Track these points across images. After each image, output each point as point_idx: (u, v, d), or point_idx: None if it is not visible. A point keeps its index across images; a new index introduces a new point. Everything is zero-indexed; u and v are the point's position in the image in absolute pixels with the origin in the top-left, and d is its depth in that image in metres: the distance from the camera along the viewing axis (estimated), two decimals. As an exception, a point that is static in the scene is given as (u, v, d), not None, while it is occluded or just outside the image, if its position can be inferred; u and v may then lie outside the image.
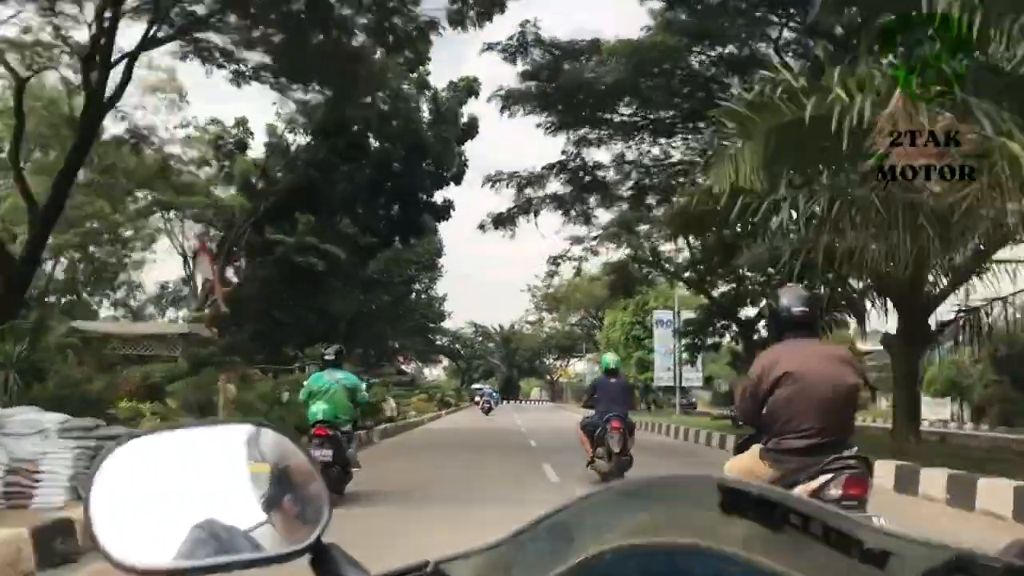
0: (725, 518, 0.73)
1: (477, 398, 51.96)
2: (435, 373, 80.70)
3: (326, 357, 8.49)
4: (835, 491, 3.46)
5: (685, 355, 29.61)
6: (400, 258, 48.60)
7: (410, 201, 28.04)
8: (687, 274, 22.61)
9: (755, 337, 20.32)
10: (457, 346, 75.65)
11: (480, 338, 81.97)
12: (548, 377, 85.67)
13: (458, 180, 27.93)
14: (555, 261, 23.46)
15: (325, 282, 44.60)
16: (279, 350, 36.76)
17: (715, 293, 21.98)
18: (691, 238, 19.03)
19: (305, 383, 8.77)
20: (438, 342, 67.25)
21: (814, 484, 3.48)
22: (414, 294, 51.48)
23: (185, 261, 39.36)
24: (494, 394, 49.83)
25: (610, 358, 10.64)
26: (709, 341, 24.56)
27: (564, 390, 79.84)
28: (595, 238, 23.46)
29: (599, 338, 48.19)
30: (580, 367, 74.86)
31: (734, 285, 20.45)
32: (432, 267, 51.05)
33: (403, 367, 70.83)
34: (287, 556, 0.77)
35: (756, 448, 3.85)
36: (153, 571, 0.76)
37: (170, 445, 0.84)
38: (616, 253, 23.58)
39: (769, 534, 0.72)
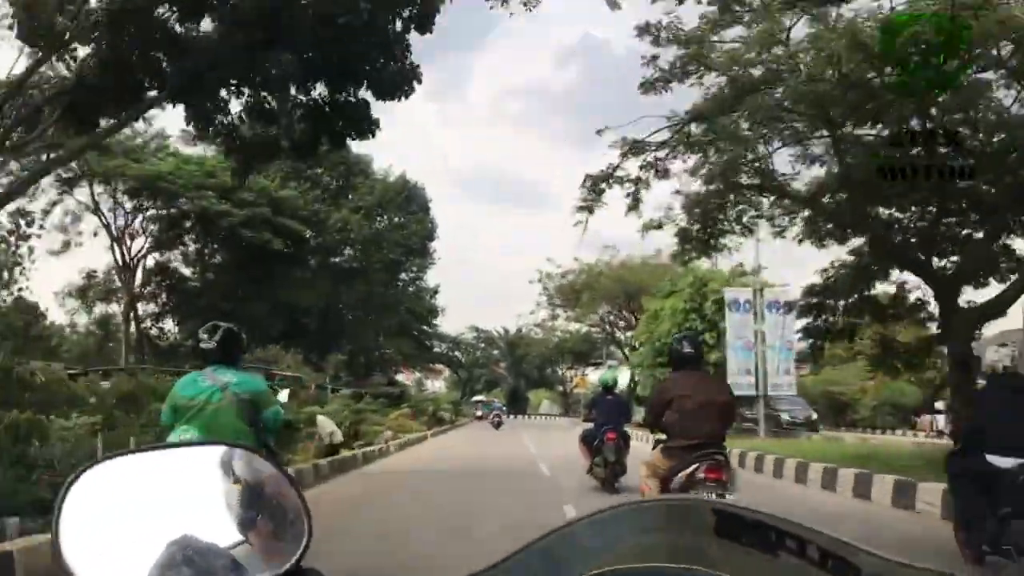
0: (720, 542, 0.75)
1: (479, 412, 49.33)
2: (437, 385, 74.26)
3: (203, 346, 4.99)
4: (700, 475, 5.38)
5: (796, 347, 22.68)
6: (381, 238, 39.05)
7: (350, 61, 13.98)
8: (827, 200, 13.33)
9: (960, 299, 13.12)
10: (457, 354, 69.99)
11: (483, 344, 75.99)
12: (561, 388, 79.61)
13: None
14: (596, 186, 13.37)
15: (283, 266, 35.11)
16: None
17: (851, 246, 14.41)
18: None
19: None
20: (436, 349, 62.47)
21: (688, 470, 5.41)
22: (400, 284, 42.10)
23: (115, 243, 33.48)
24: (504, 408, 50.27)
25: (608, 376, 13.46)
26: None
27: (580, 402, 72.91)
28: (662, 146, 13.13)
29: (634, 336, 37.84)
30: (598, 377, 66.18)
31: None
32: (423, 252, 41.75)
33: (399, 378, 65.66)
34: None
35: (659, 448, 5.81)
36: None
37: (142, 466, 0.85)
38: (694, 181, 13.70)
39: (764, 558, 0.74)
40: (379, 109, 16.45)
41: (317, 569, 0.79)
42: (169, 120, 40.76)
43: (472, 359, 75.41)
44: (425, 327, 53.54)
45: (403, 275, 44.90)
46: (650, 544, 0.78)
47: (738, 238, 14.49)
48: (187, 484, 0.83)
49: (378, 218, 41.08)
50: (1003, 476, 5.25)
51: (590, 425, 11.60)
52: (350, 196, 40.28)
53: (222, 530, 0.80)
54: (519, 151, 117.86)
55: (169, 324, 37.87)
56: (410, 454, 20.05)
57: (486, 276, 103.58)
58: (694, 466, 5.43)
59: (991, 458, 5.37)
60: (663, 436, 5.70)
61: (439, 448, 22.70)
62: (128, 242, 32.90)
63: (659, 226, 14.00)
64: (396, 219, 41.94)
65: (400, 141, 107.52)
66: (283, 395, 16.17)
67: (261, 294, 34.04)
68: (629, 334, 48.10)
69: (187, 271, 37.65)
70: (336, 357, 39.32)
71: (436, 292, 47.39)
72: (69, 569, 0.75)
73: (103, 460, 0.85)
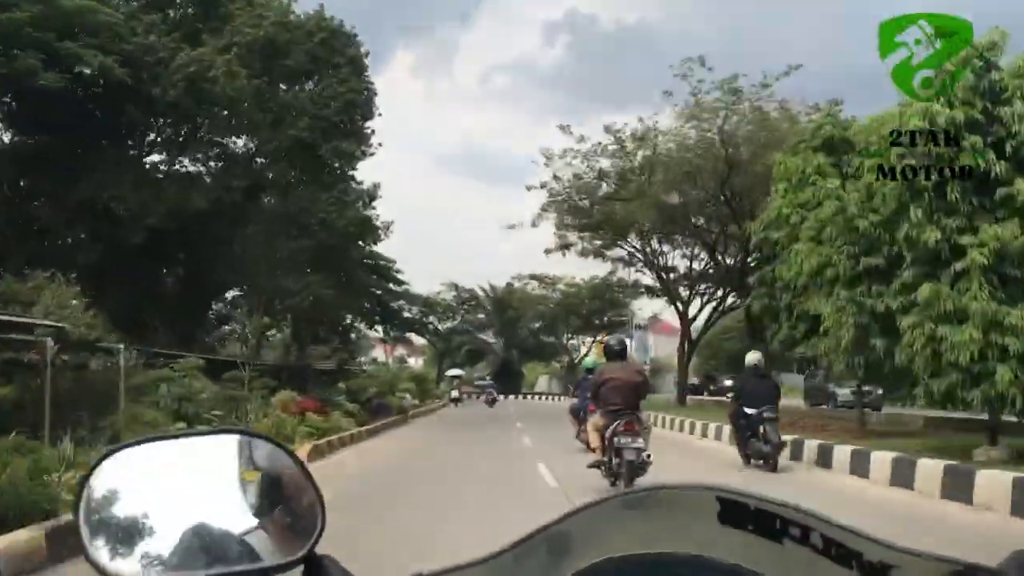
0: (724, 529, 0.76)
1: (455, 393, 42.21)
2: (422, 363, 63.80)
3: None
4: (621, 428, 8.78)
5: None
6: (272, 98, 22.33)
7: None
8: None
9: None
10: (431, 320, 54.50)
11: (464, 306, 59.89)
12: (563, 361, 61.22)
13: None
14: None
15: (92, 138, 19.08)
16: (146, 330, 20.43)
17: None
18: None
19: None
20: (407, 313, 49.43)
21: (613, 425, 8.87)
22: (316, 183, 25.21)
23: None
24: (493, 385, 44.50)
25: (589, 362, 20.28)
26: None
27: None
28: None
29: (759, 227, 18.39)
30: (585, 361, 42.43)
31: None
32: (352, 134, 24.53)
33: (378, 355, 56.81)
34: (280, 568, 0.80)
35: (598, 412, 9.48)
36: None
37: (161, 454, 0.87)
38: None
39: (768, 545, 0.75)
40: None
41: (331, 556, 0.80)
42: None
43: (450, 326, 59.27)
44: (381, 278, 39.02)
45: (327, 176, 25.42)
46: (654, 531, 0.79)
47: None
48: (204, 471, 0.85)
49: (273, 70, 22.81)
50: (751, 417, 11.63)
51: (575, 400, 16.41)
52: (222, 29, 21.97)
53: (237, 517, 0.82)
54: (505, 127, 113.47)
55: None
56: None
57: (469, 251, 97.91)
58: (616, 422, 8.94)
59: (747, 409, 11.76)
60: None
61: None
62: None
63: None
64: (311, 82, 23.90)
65: (384, 119, 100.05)
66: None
67: (54, 188, 18.92)
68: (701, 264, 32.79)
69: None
70: (260, 321, 26.14)
71: (373, 196, 27.87)
72: (91, 554, 0.78)
73: (124, 447, 0.87)
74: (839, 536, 0.73)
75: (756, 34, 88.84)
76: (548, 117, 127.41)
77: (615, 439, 8.84)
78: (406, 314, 49.88)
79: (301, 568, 0.78)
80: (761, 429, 11.56)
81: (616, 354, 9.63)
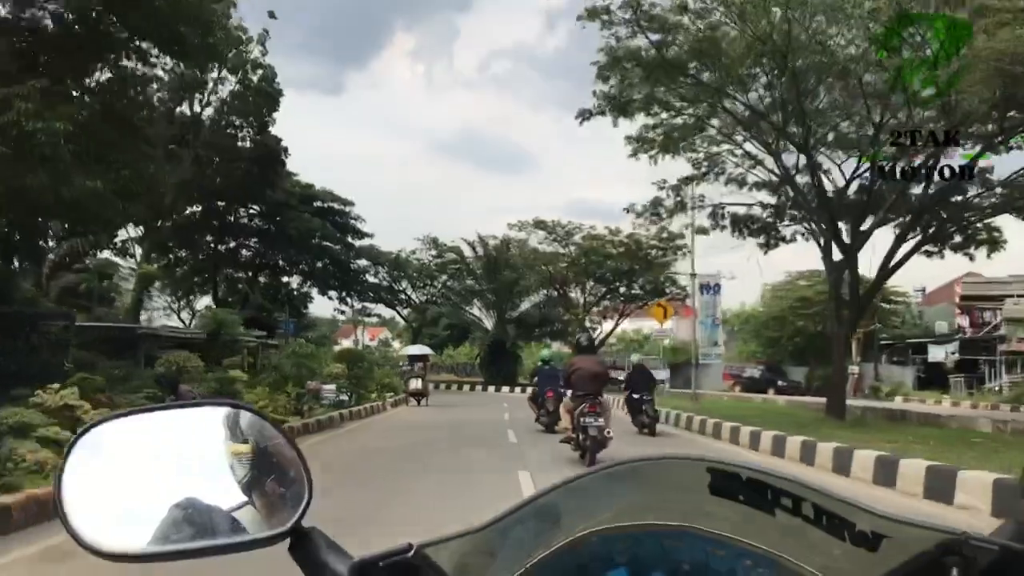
0: (715, 500, 0.76)
1: (415, 383, 26.58)
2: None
3: None
4: (586, 408, 10.77)
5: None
6: None
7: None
8: None
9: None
10: (405, 287, 44.38)
11: (447, 269, 44.83)
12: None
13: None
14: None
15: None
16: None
17: None
18: None
19: None
20: (371, 277, 40.42)
21: (581, 407, 10.88)
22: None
23: None
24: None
25: (546, 353, 20.21)
26: None
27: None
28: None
29: None
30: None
31: None
32: None
33: (344, 341, 49.54)
34: (266, 540, 0.80)
35: (568, 396, 11.58)
36: (125, 556, 0.78)
37: (145, 427, 0.87)
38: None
39: (759, 516, 0.76)
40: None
41: (318, 528, 0.79)
42: None
43: (430, 295, 45.86)
44: (332, 225, 31.48)
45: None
46: (645, 502, 0.79)
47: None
48: (190, 444, 0.84)
49: None
50: (637, 400, 16.05)
51: (532, 389, 17.97)
52: None
53: (223, 490, 0.81)
54: (505, 113, 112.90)
55: None
56: None
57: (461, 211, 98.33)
58: (583, 404, 10.88)
59: (633, 394, 16.21)
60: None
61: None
62: None
63: None
64: None
65: (385, 103, 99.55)
66: None
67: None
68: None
69: None
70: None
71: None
72: (72, 529, 0.77)
73: (107, 419, 0.85)
74: (831, 506, 0.73)
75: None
76: (547, 105, 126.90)
77: (581, 419, 10.95)
78: (370, 278, 40.05)
79: (288, 540, 0.78)
80: (643, 407, 16.07)
81: (584, 348, 12.98)
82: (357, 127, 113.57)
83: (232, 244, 32.10)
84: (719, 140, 20.71)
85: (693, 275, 27.52)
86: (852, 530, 0.72)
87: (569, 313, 41.95)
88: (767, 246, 22.33)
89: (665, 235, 33.08)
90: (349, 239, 34.74)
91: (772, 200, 21.64)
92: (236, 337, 22.15)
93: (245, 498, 0.82)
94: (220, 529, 0.80)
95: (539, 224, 38.69)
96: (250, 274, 33.76)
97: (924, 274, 58.60)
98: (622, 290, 40.34)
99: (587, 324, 39.01)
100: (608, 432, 10.81)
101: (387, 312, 49.44)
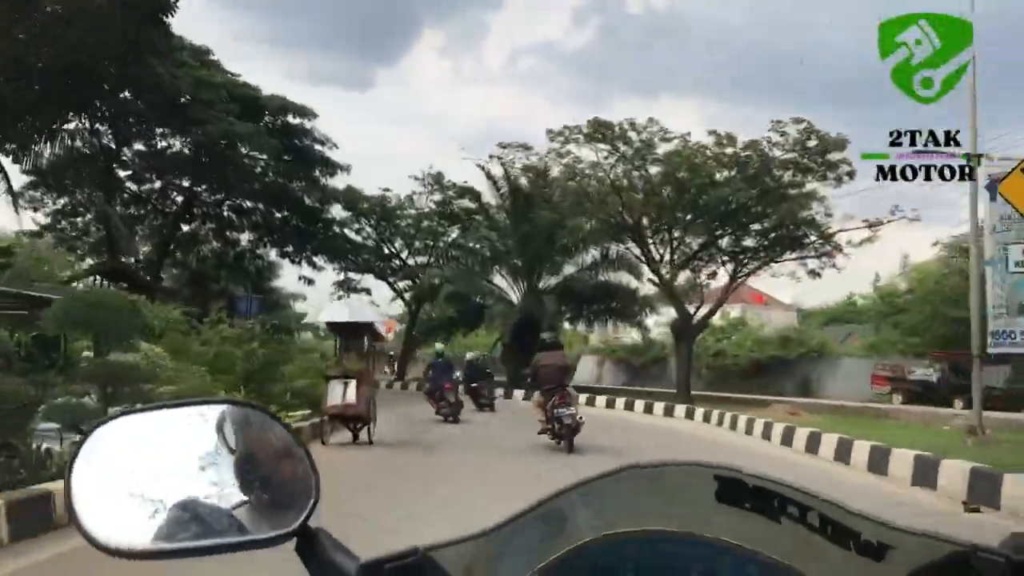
0: (720, 507, 0.76)
1: (337, 392, 13.69)
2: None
3: None
4: (557, 400, 11.87)
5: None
6: None
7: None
8: None
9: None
10: (398, 255, 31.69)
11: (465, 214, 31.63)
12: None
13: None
14: None
15: None
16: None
17: None
18: None
19: None
20: (352, 234, 29.28)
21: (551, 400, 11.97)
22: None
23: None
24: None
25: (439, 348, 20.76)
26: None
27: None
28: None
29: None
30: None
31: None
32: None
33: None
34: (272, 540, 0.80)
35: (538, 391, 12.83)
36: (134, 553, 0.79)
37: (154, 424, 0.87)
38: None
39: (765, 524, 0.76)
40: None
41: (325, 530, 0.79)
42: None
43: (431, 253, 31.70)
44: (294, 153, 22.04)
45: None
46: (652, 508, 0.79)
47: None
48: (195, 442, 0.84)
49: None
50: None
51: (428, 384, 18.26)
52: None
53: (231, 489, 0.82)
54: (530, 111, 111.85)
55: None
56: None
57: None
58: (554, 397, 11.78)
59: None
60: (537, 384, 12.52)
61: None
62: None
63: None
64: None
65: (412, 100, 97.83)
66: None
67: None
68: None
69: None
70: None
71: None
72: (82, 527, 0.78)
73: (115, 417, 0.86)
74: (837, 515, 0.73)
75: (789, 23, 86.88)
76: (569, 104, 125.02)
77: (554, 410, 11.85)
78: (349, 233, 28.53)
79: (294, 541, 0.78)
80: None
81: (549, 346, 13.50)
82: (384, 124, 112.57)
83: (126, 176, 21.56)
84: None
85: (977, 157, 11.71)
86: (858, 539, 0.72)
87: (649, 279, 26.99)
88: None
89: (814, 143, 21.02)
90: (316, 174, 23.66)
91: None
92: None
93: (252, 497, 0.82)
94: (227, 528, 0.80)
95: (599, 129, 23.08)
96: (167, 229, 23.38)
97: None
98: (728, 239, 24.81)
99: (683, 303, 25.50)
100: (580, 418, 11.87)
101: (377, 286, 33.85)
